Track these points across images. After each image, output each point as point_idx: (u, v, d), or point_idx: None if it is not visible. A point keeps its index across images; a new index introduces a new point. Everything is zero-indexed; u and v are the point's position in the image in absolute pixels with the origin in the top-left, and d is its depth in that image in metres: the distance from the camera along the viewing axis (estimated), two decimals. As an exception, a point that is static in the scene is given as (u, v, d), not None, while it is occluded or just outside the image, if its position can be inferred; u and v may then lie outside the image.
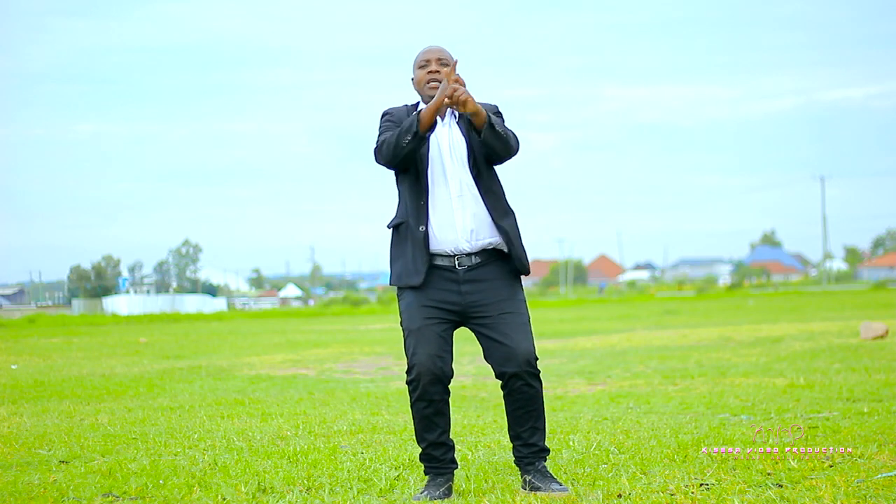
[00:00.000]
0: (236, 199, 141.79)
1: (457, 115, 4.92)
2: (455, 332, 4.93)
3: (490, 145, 4.76)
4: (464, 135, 4.88)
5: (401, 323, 4.87)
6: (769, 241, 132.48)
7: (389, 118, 4.93)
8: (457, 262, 4.83)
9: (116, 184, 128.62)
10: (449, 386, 4.84)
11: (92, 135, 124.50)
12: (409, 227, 4.85)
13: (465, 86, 4.70)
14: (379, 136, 4.88)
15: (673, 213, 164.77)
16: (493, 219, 4.84)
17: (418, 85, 4.94)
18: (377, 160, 4.87)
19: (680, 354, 14.22)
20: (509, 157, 4.86)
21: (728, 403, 8.42)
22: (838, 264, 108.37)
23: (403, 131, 4.73)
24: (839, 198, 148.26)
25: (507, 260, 4.90)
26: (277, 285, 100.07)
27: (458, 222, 4.81)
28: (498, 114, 4.96)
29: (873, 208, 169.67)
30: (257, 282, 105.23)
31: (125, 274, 69.39)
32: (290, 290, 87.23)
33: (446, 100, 4.68)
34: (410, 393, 4.82)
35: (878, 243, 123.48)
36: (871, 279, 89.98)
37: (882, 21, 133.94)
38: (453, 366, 4.87)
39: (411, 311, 4.81)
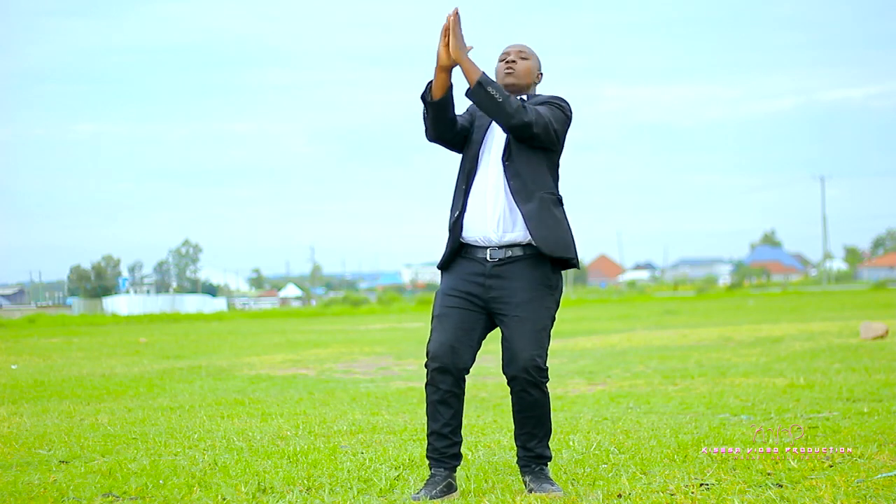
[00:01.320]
0: (236, 199, 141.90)
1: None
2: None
3: (479, 107, 4.73)
4: None
5: None
6: (769, 241, 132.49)
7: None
8: (489, 255, 4.82)
9: (116, 184, 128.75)
10: (461, 380, 4.80)
11: (92, 135, 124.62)
12: (450, 215, 4.92)
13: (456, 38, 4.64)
14: None
15: (673, 213, 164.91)
16: (516, 204, 4.80)
17: (497, 75, 4.96)
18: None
19: (680, 354, 14.22)
20: (512, 132, 4.74)
21: (728, 403, 8.42)
22: (838, 264, 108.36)
23: (425, 109, 4.80)
24: (839, 198, 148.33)
25: (543, 259, 4.83)
26: (277, 285, 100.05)
27: (490, 212, 4.81)
28: (549, 104, 4.85)
29: (873, 208, 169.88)
30: (257, 282, 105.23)
31: (125, 274, 69.39)
32: (290, 290, 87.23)
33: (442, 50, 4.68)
34: (426, 376, 4.85)
35: (878, 243, 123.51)
36: (871, 279, 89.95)
37: (882, 21, 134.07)
38: (472, 359, 4.82)
39: (437, 298, 4.88)
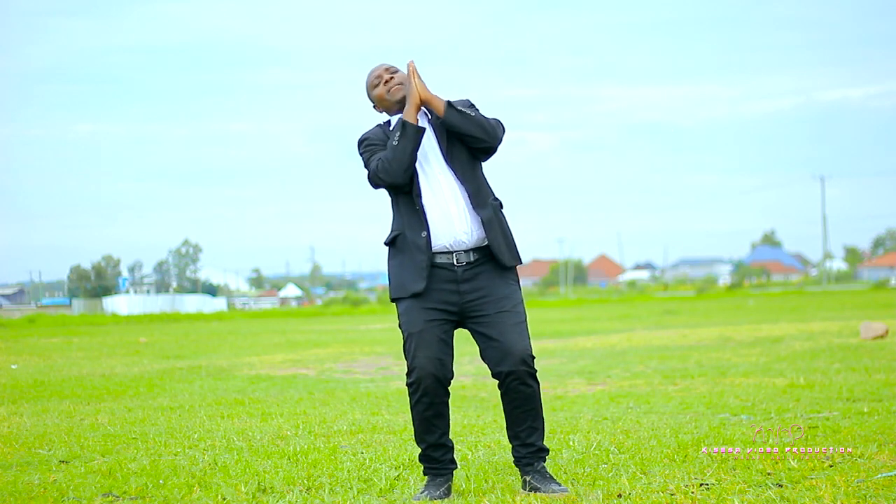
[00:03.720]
0: (236, 198, 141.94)
1: (428, 115, 4.95)
2: (456, 333, 4.93)
3: (456, 127, 4.80)
4: (434, 130, 4.91)
5: (400, 325, 4.85)
6: (769, 241, 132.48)
7: (369, 142, 4.95)
8: (455, 259, 4.81)
9: (116, 184, 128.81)
10: (448, 389, 4.83)
11: (91, 135, 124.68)
12: (406, 238, 4.84)
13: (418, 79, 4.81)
14: (368, 162, 4.90)
15: (673, 213, 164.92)
16: (472, 208, 4.84)
17: (382, 102, 4.98)
18: (380, 183, 4.84)
19: (680, 354, 14.22)
20: (489, 140, 4.84)
21: (728, 403, 8.42)
22: (838, 264, 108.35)
23: (403, 138, 4.76)
24: (839, 198, 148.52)
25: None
26: (277, 285, 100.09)
27: (455, 216, 4.81)
28: (472, 107, 4.93)
29: (873, 208, 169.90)
30: (257, 282, 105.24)
31: (125, 274, 69.46)
32: (290, 290, 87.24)
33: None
34: (410, 395, 4.81)
35: (878, 243, 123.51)
36: (871, 279, 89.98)
37: (881, 21, 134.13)
38: (454, 367, 4.87)
39: (411, 314, 4.79)
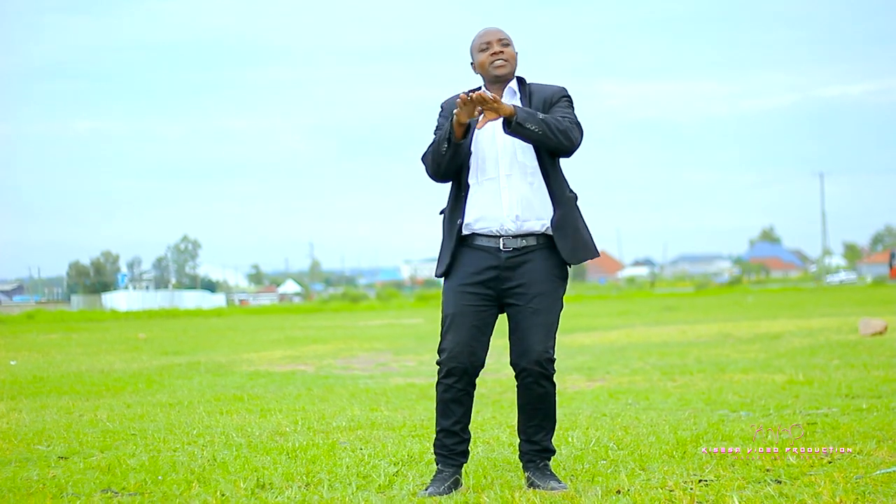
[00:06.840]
0: (235, 195, 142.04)
1: (518, 94, 4.82)
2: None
3: (521, 138, 4.65)
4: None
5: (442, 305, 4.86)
6: (768, 237, 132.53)
7: (441, 117, 4.85)
8: (502, 244, 4.75)
9: (115, 180, 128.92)
10: (474, 378, 4.80)
11: (91, 131, 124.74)
12: (447, 218, 4.86)
13: (493, 102, 4.56)
14: (432, 141, 4.82)
15: (672, 210, 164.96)
16: (551, 200, 4.74)
17: (481, 68, 4.83)
18: (426, 171, 4.84)
19: (679, 351, 14.22)
20: (559, 149, 4.70)
21: (727, 400, 8.42)
22: (837, 260, 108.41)
23: (441, 140, 4.71)
24: (838, 194, 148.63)
25: (556, 250, 4.79)
26: (276, 281, 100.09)
27: (505, 201, 4.73)
28: (566, 97, 4.81)
29: (872, 205, 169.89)
30: (256, 278, 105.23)
31: (124, 270, 69.52)
32: (290, 287, 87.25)
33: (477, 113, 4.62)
34: (437, 374, 4.83)
35: (877, 240, 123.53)
36: (870, 275, 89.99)
37: (880, 18, 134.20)
38: (485, 356, 4.82)
39: (448, 295, 4.80)
